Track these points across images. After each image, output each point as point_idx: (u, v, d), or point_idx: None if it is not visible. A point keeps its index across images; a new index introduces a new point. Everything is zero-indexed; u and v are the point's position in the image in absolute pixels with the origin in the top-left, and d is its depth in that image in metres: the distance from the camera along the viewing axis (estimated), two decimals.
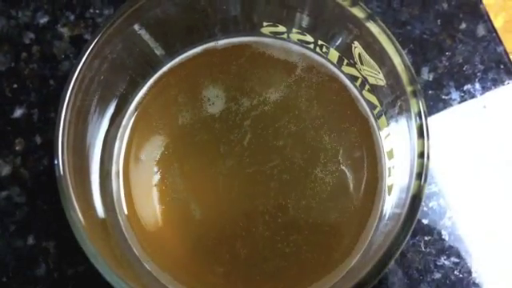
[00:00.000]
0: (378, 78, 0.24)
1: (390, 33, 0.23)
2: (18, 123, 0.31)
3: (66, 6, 0.32)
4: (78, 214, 0.21)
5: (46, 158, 0.30)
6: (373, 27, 0.23)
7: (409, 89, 0.22)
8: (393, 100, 0.24)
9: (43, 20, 0.32)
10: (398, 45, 0.22)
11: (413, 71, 0.22)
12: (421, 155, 0.22)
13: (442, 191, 0.30)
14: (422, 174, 0.21)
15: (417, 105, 0.22)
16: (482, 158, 0.30)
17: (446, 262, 0.29)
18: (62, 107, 0.22)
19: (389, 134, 0.26)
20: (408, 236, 0.21)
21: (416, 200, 0.21)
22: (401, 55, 0.22)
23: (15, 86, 0.31)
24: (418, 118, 0.22)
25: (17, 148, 0.30)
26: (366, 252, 0.25)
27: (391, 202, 0.25)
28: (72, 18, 0.32)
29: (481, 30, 0.32)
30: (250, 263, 0.26)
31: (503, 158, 0.30)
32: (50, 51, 0.31)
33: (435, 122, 0.31)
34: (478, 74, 0.31)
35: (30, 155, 0.30)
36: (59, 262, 0.29)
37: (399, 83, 0.22)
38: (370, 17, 0.23)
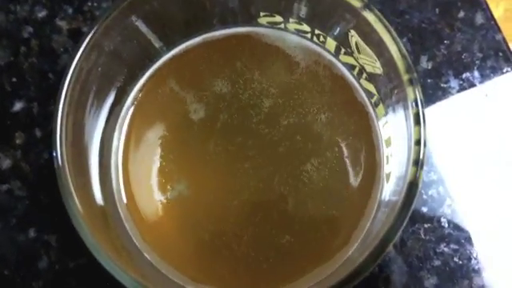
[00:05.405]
0: (375, 66, 0.24)
1: (386, 21, 0.23)
2: (17, 117, 0.31)
3: (64, 0, 0.32)
4: (76, 204, 0.21)
5: (47, 152, 0.30)
6: (369, 16, 0.23)
7: (405, 77, 0.22)
8: (390, 89, 0.24)
9: (41, 14, 0.32)
10: (394, 33, 0.22)
11: (409, 59, 0.22)
12: (417, 142, 0.22)
13: (441, 179, 0.30)
14: (418, 160, 0.21)
15: (413, 92, 0.22)
16: (482, 146, 0.30)
17: (446, 249, 0.29)
18: (60, 99, 0.22)
19: (386, 122, 0.26)
20: (405, 223, 0.21)
21: (413, 187, 0.21)
22: (397, 43, 0.22)
23: (14, 80, 0.31)
24: (414, 105, 0.22)
25: (17, 142, 0.30)
26: (365, 240, 0.25)
27: (389, 190, 0.25)
28: (70, 11, 0.32)
29: (479, 18, 0.32)
30: (250, 252, 0.26)
31: (502, 146, 0.30)
32: (49, 45, 0.31)
33: (436, 110, 0.31)
34: (477, 62, 0.31)
35: (31, 149, 0.30)
36: (61, 254, 0.29)
37: (396, 71, 0.23)
38: (366, 6, 0.23)
